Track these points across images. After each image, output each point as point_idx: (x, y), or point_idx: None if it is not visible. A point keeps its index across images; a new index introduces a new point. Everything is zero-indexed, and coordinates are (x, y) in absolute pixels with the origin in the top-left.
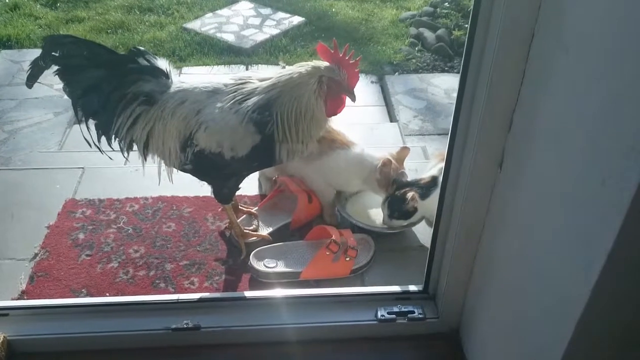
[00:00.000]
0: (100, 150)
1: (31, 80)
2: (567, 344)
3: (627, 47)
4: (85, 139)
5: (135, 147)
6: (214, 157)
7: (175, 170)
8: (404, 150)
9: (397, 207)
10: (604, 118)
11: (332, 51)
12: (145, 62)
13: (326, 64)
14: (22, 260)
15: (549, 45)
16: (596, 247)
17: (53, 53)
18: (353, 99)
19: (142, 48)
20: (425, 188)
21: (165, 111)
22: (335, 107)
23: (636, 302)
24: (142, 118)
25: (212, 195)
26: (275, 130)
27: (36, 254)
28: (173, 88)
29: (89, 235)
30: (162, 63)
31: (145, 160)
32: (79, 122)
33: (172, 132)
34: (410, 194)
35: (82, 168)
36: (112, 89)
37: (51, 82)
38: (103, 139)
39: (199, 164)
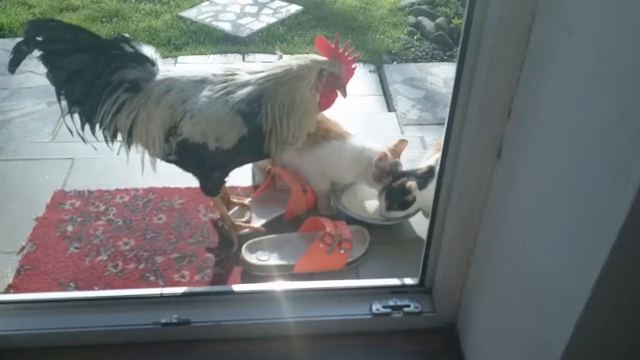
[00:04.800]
0: (83, 140)
1: (13, 65)
2: (568, 341)
3: (635, 25)
4: (68, 128)
5: (119, 136)
6: (197, 148)
7: (158, 160)
8: (402, 143)
9: (396, 198)
10: (610, 101)
11: (333, 46)
12: (130, 49)
13: (324, 58)
14: (9, 253)
15: (551, 28)
16: (600, 239)
17: (36, 37)
18: (345, 94)
19: (126, 35)
20: (422, 178)
21: (150, 99)
22: (328, 102)
23: None
24: (127, 106)
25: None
26: (264, 122)
27: (23, 247)
28: (159, 76)
29: (78, 227)
30: (148, 50)
31: (129, 149)
32: (62, 109)
33: (156, 121)
34: (408, 184)
35: (72, 159)
36: (96, 76)
37: (44, 71)
38: (87, 128)
39: (182, 154)
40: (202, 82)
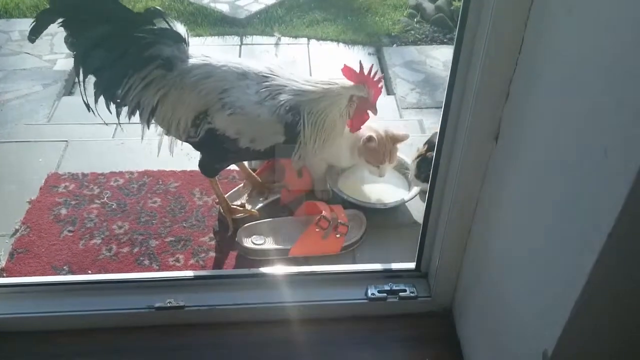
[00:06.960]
0: (96, 115)
1: (34, 34)
2: (563, 327)
3: (635, 5)
4: (85, 102)
5: (138, 113)
6: (225, 140)
7: (179, 142)
8: (403, 137)
9: (426, 169)
10: (608, 83)
11: (358, 71)
12: (164, 25)
13: (352, 84)
14: (2, 236)
15: (551, 8)
16: (598, 223)
17: (64, 7)
18: (375, 112)
19: (159, 8)
20: None
21: (186, 81)
22: (359, 122)
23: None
24: (156, 83)
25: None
26: (302, 134)
27: (17, 230)
28: (197, 59)
29: (72, 210)
30: (181, 28)
31: (148, 128)
32: (78, 78)
33: (187, 104)
34: None
35: (66, 141)
36: (125, 47)
37: (40, 53)
38: (100, 101)
39: (206, 140)
40: (243, 76)
